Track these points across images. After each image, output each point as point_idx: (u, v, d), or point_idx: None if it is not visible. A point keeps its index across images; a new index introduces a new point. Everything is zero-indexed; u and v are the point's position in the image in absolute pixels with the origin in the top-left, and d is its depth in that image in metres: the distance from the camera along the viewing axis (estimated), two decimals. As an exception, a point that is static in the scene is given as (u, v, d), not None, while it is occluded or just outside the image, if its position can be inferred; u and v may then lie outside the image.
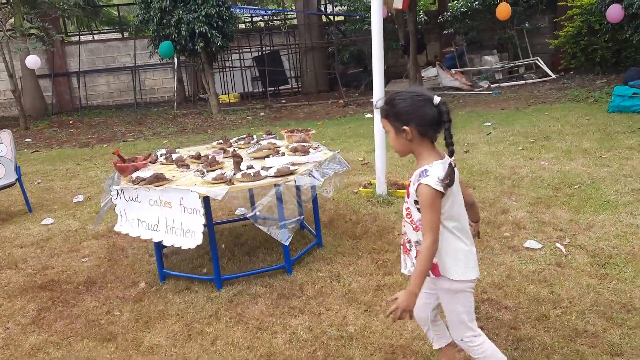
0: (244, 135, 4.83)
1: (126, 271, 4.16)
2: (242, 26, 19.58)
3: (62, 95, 17.96)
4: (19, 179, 5.70)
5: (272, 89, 17.08)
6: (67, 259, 4.50)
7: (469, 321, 2.23)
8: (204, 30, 11.83)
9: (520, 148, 6.70)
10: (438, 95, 2.08)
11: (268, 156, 4.08)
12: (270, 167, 3.69)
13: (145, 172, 3.81)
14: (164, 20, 11.96)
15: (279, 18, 20.07)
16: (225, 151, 4.31)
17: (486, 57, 16.13)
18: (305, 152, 4.02)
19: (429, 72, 17.05)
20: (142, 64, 17.90)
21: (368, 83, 16.73)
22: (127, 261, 4.35)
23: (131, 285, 3.92)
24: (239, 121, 12.25)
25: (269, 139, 4.69)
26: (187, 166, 3.94)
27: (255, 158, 4.09)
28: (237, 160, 3.72)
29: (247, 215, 3.53)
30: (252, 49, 17.36)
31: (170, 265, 4.16)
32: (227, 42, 12.70)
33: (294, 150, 4.16)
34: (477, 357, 2.25)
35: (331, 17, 17.78)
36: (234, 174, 3.60)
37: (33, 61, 12.23)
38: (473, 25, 16.12)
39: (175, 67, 16.22)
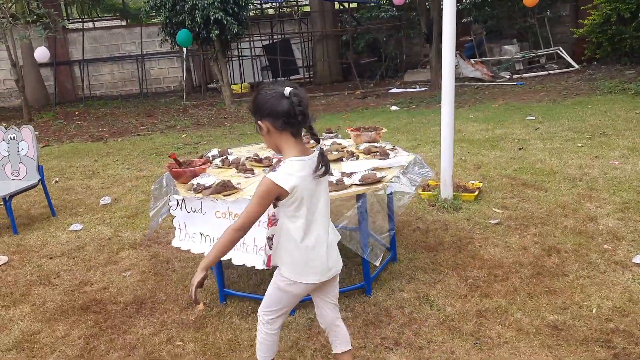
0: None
1: (177, 289, 3.67)
2: (251, 13, 18.93)
3: (64, 85, 17.33)
4: (41, 180, 5.19)
5: (283, 79, 16.53)
6: (105, 272, 4.00)
7: (275, 310, 2.31)
8: (219, 17, 11.25)
9: (580, 145, 6.23)
10: (288, 88, 2.00)
11: (340, 159, 3.59)
12: (352, 174, 3.20)
13: (205, 179, 3.32)
14: (177, 7, 11.37)
15: (290, 5, 19.45)
16: (286, 152, 3.81)
17: (506, 47, 15.63)
18: (384, 154, 3.52)
19: (446, 62, 16.48)
20: (148, 52, 17.29)
21: (383, 72, 16.23)
22: (176, 276, 3.86)
23: (187, 306, 3.43)
24: (255, 113, 11.71)
25: (330, 137, 4.19)
26: (252, 171, 3.44)
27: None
28: (313, 165, 3.22)
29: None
30: (263, 37, 16.78)
31: (226, 282, 3.67)
32: (242, 30, 12.13)
33: (367, 152, 3.68)
34: (257, 337, 2.39)
35: (345, 4, 17.18)
36: (313, 182, 3.11)
37: (42, 53, 11.60)
38: (493, 13, 15.60)
39: (184, 55, 15.62)
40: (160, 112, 13.12)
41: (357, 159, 3.54)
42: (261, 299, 3.29)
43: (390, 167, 3.33)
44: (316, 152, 2.08)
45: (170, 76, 17.85)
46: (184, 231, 3.24)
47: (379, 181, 3.09)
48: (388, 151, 3.57)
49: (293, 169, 2.03)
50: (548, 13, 15.60)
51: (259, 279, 3.66)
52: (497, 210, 4.50)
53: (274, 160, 3.59)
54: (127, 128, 10.93)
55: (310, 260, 2.17)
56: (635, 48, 13.08)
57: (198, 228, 3.18)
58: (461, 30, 17.72)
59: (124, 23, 19.60)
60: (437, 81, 13.21)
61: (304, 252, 2.15)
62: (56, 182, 6.70)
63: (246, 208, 2.07)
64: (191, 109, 13.12)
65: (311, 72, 17.23)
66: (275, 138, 2.08)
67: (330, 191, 2.97)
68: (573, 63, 14.31)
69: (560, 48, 15.03)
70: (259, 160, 3.66)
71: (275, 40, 17.13)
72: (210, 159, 3.89)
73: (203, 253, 3.16)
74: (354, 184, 3.08)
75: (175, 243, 3.28)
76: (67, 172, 7.19)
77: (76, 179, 6.78)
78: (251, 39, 16.02)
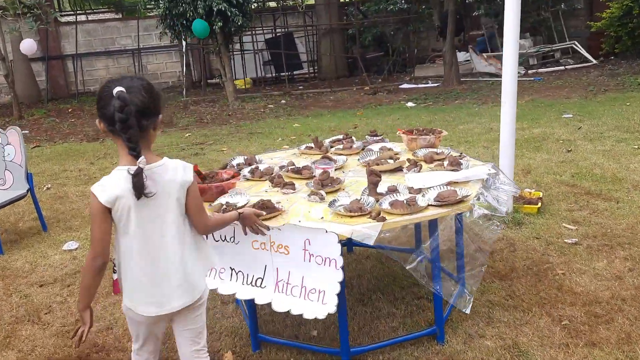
0: (340, 136, 3.64)
1: (198, 330, 2.97)
2: (253, 6, 18.17)
3: (56, 81, 16.52)
4: (31, 190, 4.48)
5: (286, 74, 15.79)
6: (107, 306, 3.30)
7: (134, 337, 2.06)
8: (222, 8, 10.53)
9: (636, 147, 5.57)
10: (119, 87, 1.72)
11: (399, 169, 2.91)
12: (423, 190, 2.53)
13: (236, 197, 2.63)
14: (178, -3, 10.63)
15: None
16: (329, 159, 3.12)
17: (519, 41, 14.96)
18: (456, 163, 2.84)
19: (459, 57, 15.82)
20: (145, 46, 16.51)
21: (391, 67, 15.54)
22: (194, 311, 3.16)
23: (212, 354, 2.74)
24: (261, 110, 11.01)
25: (376, 141, 3.50)
26: (292, 185, 2.75)
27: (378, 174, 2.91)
28: (374, 180, 2.54)
29: (407, 267, 2.39)
30: (265, 31, 16.03)
31: (260, 322, 2.98)
32: (247, 22, 11.41)
33: (430, 160, 2.99)
34: None
35: (350, -3, 16.47)
36: (377, 202, 2.43)
37: (29, 46, 10.81)
38: (504, 6, 14.90)
39: (184, 49, 14.86)
40: (158, 109, 12.37)
41: (420, 169, 2.86)
42: (310, 349, 2.63)
43: (468, 181, 2.65)
44: (134, 169, 1.74)
45: (168, 71, 17.09)
46: (211, 264, 2.55)
47: (461, 200, 2.41)
48: (459, 160, 2.89)
49: (113, 180, 1.79)
50: (562, 6, 14.96)
51: (298, 319, 2.97)
52: (568, 227, 3.83)
53: (317, 171, 2.91)
54: (125, 126, 10.18)
55: (139, 288, 1.90)
56: (658, 42, 12.46)
57: (228, 261, 2.49)
58: (471, 24, 17.11)
59: (119, 16, 18.79)
60: (450, 76, 12.57)
61: (135, 277, 1.89)
62: (48, 188, 5.98)
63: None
64: (192, 106, 12.39)
65: (316, 67, 16.50)
66: (113, 140, 1.82)
67: (403, 214, 2.32)
68: (590, 58, 13.66)
69: (576, 42, 14.38)
70: (298, 171, 2.97)
71: (278, 34, 16.39)
72: (235, 168, 3.20)
73: (234, 294, 2.48)
74: (431, 204, 2.40)
75: (198, 279, 2.58)
76: (61, 177, 6.46)
77: (70, 185, 6.05)
78: (253, 32, 15.26)
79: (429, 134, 3.31)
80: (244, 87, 14.72)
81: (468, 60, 14.50)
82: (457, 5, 11.82)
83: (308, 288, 2.33)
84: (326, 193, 2.62)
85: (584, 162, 5.24)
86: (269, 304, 2.40)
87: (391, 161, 3.01)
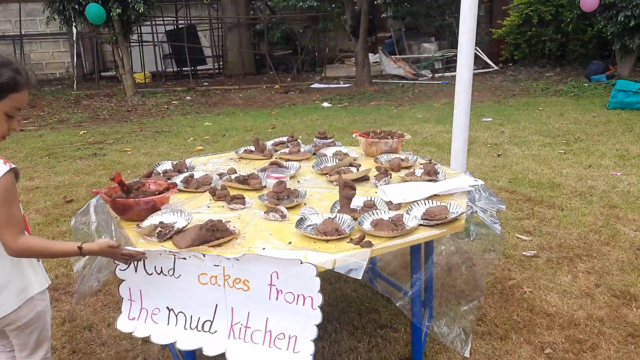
0: (284, 138, 3.15)
1: (116, 381, 2.36)
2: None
3: None
4: None
5: (189, 68, 14.88)
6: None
7: None
8: (122, -7, 9.57)
9: (562, 152, 5.59)
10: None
11: (364, 179, 2.48)
12: (403, 205, 2.12)
13: (171, 215, 2.06)
14: (69, -22, 9.52)
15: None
16: (279, 165, 2.62)
17: (425, 45, 15.23)
18: (433, 173, 2.46)
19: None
20: (28, 32, 14.85)
21: (299, 66, 15.17)
22: (108, 355, 2.54)
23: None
24: (164, 107, 10.16)
25: (327, 145, 3.05)
26: (241, 200, 2.22)
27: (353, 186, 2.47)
28: (349, 193, 2.09)
29: (397, 302, 1.96)
30: (166, 22, 15.01)
31: None
32: (148, 10, 10.50)
33: (396, 168, 2.60)
34: None
35: (257, -9, 15.91)
36: (356, 221, 1.98)
37: None
38: (411, 10, 15.13)
39: (74, 38, 13.49)
40: (46, 102, 11.07)
41: (390, 178, 2.45)
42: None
43: (451, 194, 2.28)
44: None
45: (55, 61, 15.50)
46: (139, 305, 1.96)
47: (455, 220, 2.02)
48: (435, 168, 2.51)
49: None
50: (465, 12, 15.40)
51: None
52: (522, 237, 3.62)
53: (269, 181, 2.41)
54: (5, 121, 8.91)
55: None
56: (553, 50, 13.14)
57: (164, 300, 1.92)
58: (379, 25, 17.19)
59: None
60: (362, 77, 12.42)
61: None
62: None
63: None
64: (85, 100, 11.21)
65: (221, 63, 15.74)
66: None
67: (391, 237, 1.89)
68: (491, 64, 14.17)
69: (478, 48, 14.87)
70: (244, 181, 2.44)
71: (180, 26, 15.43)
72: (162, 175, 2.60)
73: (174, 342, 1.91)
74: (422, 225, 1.99)
75: (121, 324, 1.97)
76: None
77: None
78: (153, 22, 14.22)
79: (389, 137, 2.91)
80: (143, 81, 13.66)
81: (377, 62, 14.49)
82: (369, 5, 11.67)
83: (274, 333, 1.82)
84: (286, 209, 2.13)
85: (517, 166, 5.14)
86: (222, 355, 1.86)
87: (353, 169, 2.57)
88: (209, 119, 8.48)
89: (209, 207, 2.24)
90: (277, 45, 16.16)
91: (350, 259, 1.78)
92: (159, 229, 1.96)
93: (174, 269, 1.87)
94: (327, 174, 2.56)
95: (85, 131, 7.71)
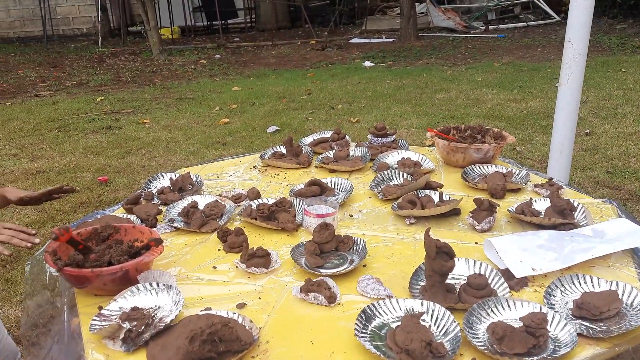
0: (326, 134, 2.31)
1: None
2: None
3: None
4: None
5: (219, 23, 13.92)
6: None
7: None
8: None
9: (665, 129, 4.56)
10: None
11: (454, 213, 1.62)
12: (530, 280, 1.26)
13: (147, 292, 1.27)
14: None
15: None
16: (322, 188, 1.79)
17: (476, -6, 13.84)
18: (568, 209, 1.57)
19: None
20: (52, -15, 14.11)
21: (337, 19, 14.04)
22: None
23: None
24: (191, 67, 9.34)
25: (386, 145, 2.19)
26: (265, 259, 1.41)
27: (450, 251, 1.62)
28: (443, 267, 1.23)
29: None
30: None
31: None
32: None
33: (501, 194, 1.72)
34: None
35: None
36: (462, 329, 1.14)
37: None
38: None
39: (99, -10, 12.68)
40: (68, 61, 10.40)
41: (495, 219, 1.57)
42: None
43: (609, 255, 1.41)
44: None
45: (81, 16, 14.79)
46: None
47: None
48: (571, 202, 1.61)
49: None
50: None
51: None
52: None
53: (310, 221, 1.58)
54: (23, 84, 8.27)
55: None
56: (625, -1, 11.65)
57: None
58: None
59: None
60: (408, 31, 11.25)
61: None
62: None
63: None
64: (109, 59, 10.48)
65: (253, 16, 14.73)
66: None
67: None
68: (552, 14, 12.76)
69: (536, -6, 13.44)
70: (270, 215, 1.62)
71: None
72: (156, 199, 1.81)
73: None
74: (580, 334, 1.13)
75: None
76: None
77: None
78: (182, -28, 13.27)
79: (478, 135, 2.02)
80: (170, 37, 12.82)
81: (423, 13, 13.22)
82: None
83: None
84: (334, 279, 1.31)
85: (613, 150, 4.16)
86: None
87: (434, 194, 1.71)
88: (237, 83, 7.63)
89: (215, 267, 1.43)
90: (313, -5, 15.00)
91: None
92: (128, 327, 1.17)
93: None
94: (393, 200, 1.72)
95: (102, 97, 6.97)
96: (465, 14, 13.37)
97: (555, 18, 12.50)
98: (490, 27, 12.24)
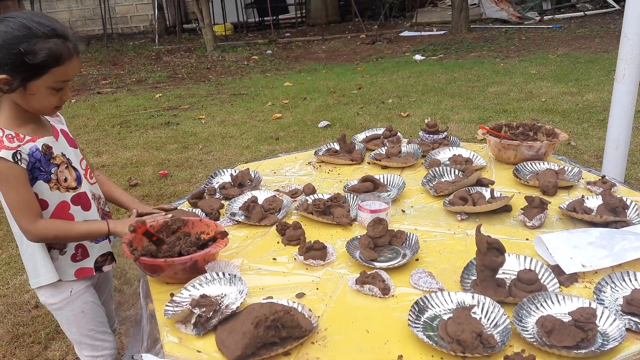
0: (379, 130, 2.37)
1: None
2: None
3: (12, 24, 14.67)
4: None
5: (271, 18, 14.13)
6: None
7: None
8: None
9: None
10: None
11: (506, 208, 1.66)
12: (580, 276, 1.30)
13: (214, 282, 1.38)
14: None
15: None
16: (375, 184, 1.86)
17: (531, -18, 13.46)
18: (620, 207, 1.58)
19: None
20: (111, -15, 14.66)
21: (387, 12, 13.98)
22: None
23: None
24: (244, 63, 9.55)
25: (437, 142, 2.23)
26: (321, 251, 1.50)
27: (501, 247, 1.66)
28: (494, 262, 1.29)
29: None
30: (247, -31, 14.26)
31: None
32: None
33: (553, 191, 1.75)
34: None
35: None
36: (512, 321, 1.19)
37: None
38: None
39: (155, -11, 13.11)
40: (127, 59, 10.81)
41: (546, 215, 1.60)
42: None
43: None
44: None
45: (139, 14, 15.31)
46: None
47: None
48: (617, 196, 1.63)
49: None
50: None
51: None
52: None
53: (364, 216, 1.66)
54: (86, 82, 8.69)
55: None
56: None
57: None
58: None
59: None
60: (459, 23, 11.09)
61: None
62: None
63: None
64: (165, 56, 10.84)
65: (304, 11, 14.85)
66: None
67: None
68: (612, 2, 12.30)
69: (595, -17, 12.96)
70: (325, 210, 1.71)
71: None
72: (218, 194, 1.93)
73: None
74: (629, 330, 1.16)
75: None
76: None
77: None
78: (234, -31, 13.54)
79: (530, 132, 2.04)
80: (223, 33, 13.10)
81: (475, 4, 13.00)
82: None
83: None
84: (387, 272, 1.38)
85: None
86: None
87: (485, 191, 1.75)
88: (289, 78, 7.76)
89: (275, 259, 1.53)
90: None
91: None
92: (198, 313, 1.28)
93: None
94: (444, 197, 1.77)
95: (160, 94, 7.24)
96: (519, 4, 13.05)
97: (614, 7, 12.05)
98: (545, 18, 11.92)
